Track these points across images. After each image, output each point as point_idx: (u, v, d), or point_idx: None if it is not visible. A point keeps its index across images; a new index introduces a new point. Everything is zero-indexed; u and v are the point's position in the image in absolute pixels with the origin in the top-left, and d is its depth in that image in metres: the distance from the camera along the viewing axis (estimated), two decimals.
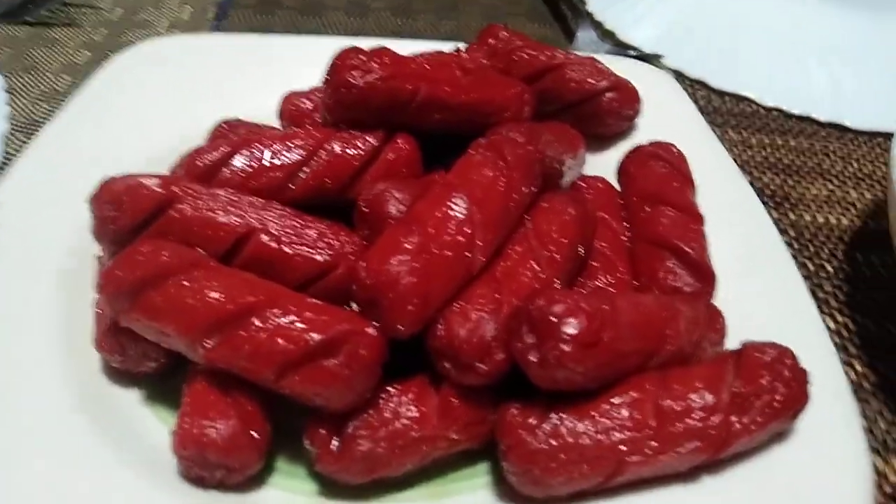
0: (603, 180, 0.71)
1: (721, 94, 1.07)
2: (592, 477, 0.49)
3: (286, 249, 0.55)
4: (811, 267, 0.80)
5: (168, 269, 0.50)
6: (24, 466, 0.49)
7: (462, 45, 0.81)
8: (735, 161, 0.79)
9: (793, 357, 0.53)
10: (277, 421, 0.52)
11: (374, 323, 0.50)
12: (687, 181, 0.68)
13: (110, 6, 1.20)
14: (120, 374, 0.57)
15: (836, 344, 0.69)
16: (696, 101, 0.99)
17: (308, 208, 0.59)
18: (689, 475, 0.51)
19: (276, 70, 0.82)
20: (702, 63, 1.10)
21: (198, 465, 0.49)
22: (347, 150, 0.62)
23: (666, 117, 0.82)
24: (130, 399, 0.56)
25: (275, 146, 0.61)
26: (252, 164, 0.60)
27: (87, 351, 0.56)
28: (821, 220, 0.86)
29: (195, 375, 0.52)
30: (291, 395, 0.50)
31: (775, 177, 0.92)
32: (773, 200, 0.88)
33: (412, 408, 0.51)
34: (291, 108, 0.73)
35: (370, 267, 0.50)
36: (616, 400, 0.50)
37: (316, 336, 0.48)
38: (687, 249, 0.61)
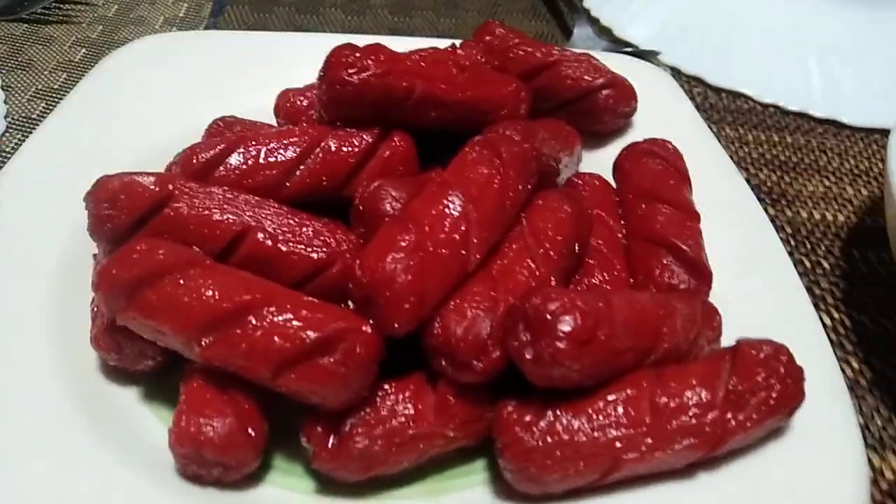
0: (599, 177, 0.71)
1: (718, 90, 1.07)
2: (588, 474, 0.49)
3: (282, 247, 0.55)
4: (808, 264, 0.80)
5: (164, 267, 0.50)
6: (21, 464, 0.49)
7: (458, 42, 0.80)
8: (732, 158, 0.80)
9: (788, 354, 0.53)
10: (274, 419, 0.52)
11: (370, 321, 0.50)
12: (683, 178, 0.68)
13: (106, 3, 1.20)
14: (117, 373, 0.57)
15: (832, 341, 0.70)
16: (692, 98, 1.00)
17: (304, 206, 0.59)
18: (685, 472, 0.51)
19: (273, 67, 0.82)
20: (698, 60, 1.10)
21: (195, 463, 0.49)
22: (343, 148, 0.62)
23: (662, 114, 0.82)
24: (127, 397, 0.56)
25: (270, 144, 0.61)
26: (248, 161, 0.60)
27: (85, 349, 0.56)
28: (817, 216, 0.86)
29: (192, 373, 0.52)
30: (288, 393, 0.50)
31: (772, 173, 0.92)
32: (769, 197, 0.89)
33: (409, 405, 0.51)
34: (287, 106, 0.73)
35: (366, 265, 0.50)
36: (612, 397, 0.50)
37: (312, 334, 0.48)
38: (683, 247, 0.61)
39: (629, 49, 1.10)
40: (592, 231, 0.63)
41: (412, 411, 0.50)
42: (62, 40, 1.09)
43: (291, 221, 0.56)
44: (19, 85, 0.98)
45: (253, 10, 1.21)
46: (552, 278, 0.55)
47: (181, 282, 0.50)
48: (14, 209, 0.66)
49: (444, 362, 0.51)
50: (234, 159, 0.60)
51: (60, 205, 0.65)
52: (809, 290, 0.74)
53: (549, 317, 0.48)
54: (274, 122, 0.73)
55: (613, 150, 0.75)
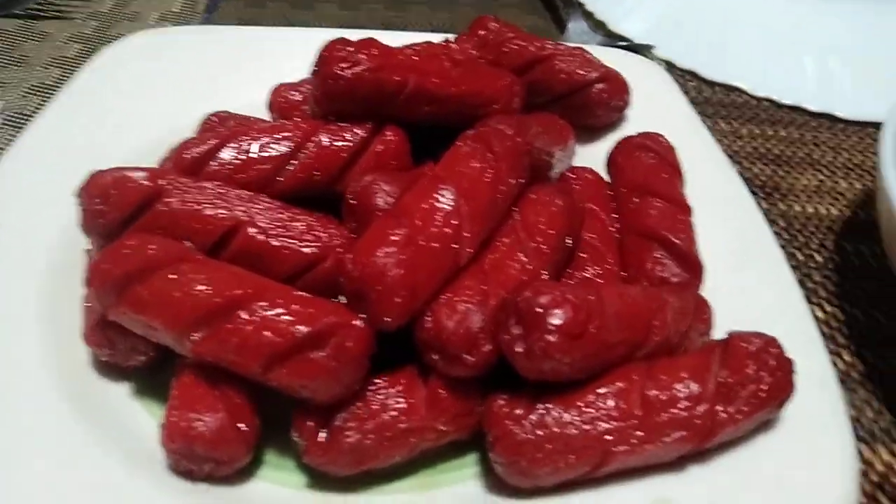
0: (592, 171, 0.71)
1: (711, 84, 1.07)
2: (579, 467, 0.49)
3: (273, 242, 0.55)
4: (800, 257, 0.80)
5: (155, 262, 0.50)
6: (12, 460, 0.49)
7: (451, 37, 0.80)
8: (725, 151, 0.79)
9: (778, 346, 0.53)
10: (266, 413, 0.52)
11: (361, 315, 0.50)
12: (675, 172, 0.69)
13: None
14: (109, 368, 0.57)
15: (824, 333, 0.70)
16: (686, 92, 0.99)
17: (297, 201, 0.59)
18: (675, 465, 0.51)
19: (267, 62, 0.82)
20: (692, 54, 1.10)
21: (186, 459, 0.50)
22: (336, 143, 0.62)
23: (656, 108, 0.82)
24: (119, 393, 0.56)
25: (263, 138, 0.61)
26: (240, 156, 0.60)
27: (76, 345, 0.56)
28: (810, 210, 0.86)
29: (183, 369, 0.52)
30: (279, 387, 0.50)
31: (765, 167, 0.92)
32: (762, 191, 0.89)
33: (400, 399, 0.51)
34: (281, 100, 0.73)
35: (357, 259, 0.50)
36: (602, 390, 0.50)
37: (303, 328, 0.48)
38: (675, 240, 0.61)
39: (623, 43, 1.10)
40: (585, 225, 0.63)
41: (404, 405, 0.51)
42: (56, 36, 1.09)
43: (283, 216, 0.56)
44: (13, 80, 0.98)
45: (247, 5, 1.20)
46: (544, 272, 0.55)
47: (172, 277, 0.50)
48: (7, 205, 0.66)
49: (435, 356, 0.51)
50: (227, 154, 0.60)
51: (54, 200, 0.64)
52: (802, 283, 0.75)
53: (539, 310, 0.48)
54: (268, 117, 0.73)
55: (607, 144, 0.75)
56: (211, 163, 0.60)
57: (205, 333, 0.49)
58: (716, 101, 1.04)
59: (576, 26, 1.15)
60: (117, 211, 0.55)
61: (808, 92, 1.04)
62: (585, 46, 0.82)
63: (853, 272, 0.78)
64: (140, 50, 0.86)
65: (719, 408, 0.50)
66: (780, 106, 1.03)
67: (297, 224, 0.56)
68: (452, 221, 0.52)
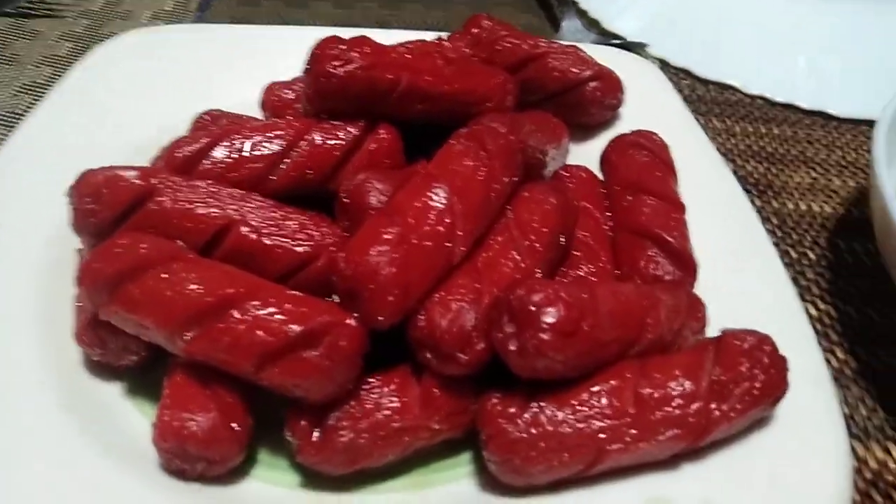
0: (586, 170, 0.71)
1: (705, 82, 1.07)
2: (573, 465, 0.49)
3: (266, 241, 0.55)
4: (794, 255, 0.80)
5: (146, 261, 0.50)
6: (3, 460, 0.49)
7: (445, 35, 0.80)
8: (719, 149, 0.80)
9: (772, 344, 0.53)
10: (259, 412, 0.52)
11: (354, 314, 0.49)
12: (669, 170, 0.69)
13: None
14: (101, 368, 0.56)
15: (818, 331, 0.70)
16: (680, 90, 0.99)
17: (289, 199, 0.59)
18: (669, 463, 0.51)
19: (259, 61, 0.82)
20: (686, 52, 1.10)
21: (178, 458, 0.49)
22: (329, 141, 0.61)
23: (649, 106, 0.82)
24: (111, 392, 0.56)
25: (255, 137, 0.61)
26: (232, 155, 0.60)
27: (68, 345, 0.56)
28: (804, 207, 0.87)
29: (175, 368, 0.52)
30: (271, 387, 0.49)
31: (759, 165, 0.93)
32: (756, 189, 0.89)
33: (394, 398, 0.51)
34: (274, 99, 0.73)
35: (350, 258, 0.50)
36: (596, 388, 0.50)
37: (296, 327, 0.48)
38: (668, 238, 0.61)
39: (617, 41, 1.10)
40: (578, 223, 0.63)
41: (397, 404, 0.50)
42: (48, 34, 1.08)
43: (276, 215, 0.56)
44: (4, 79, 0.97)
45: (240, 3, 1.20)
46: (537, 270, 0.55)
47: (164, 276, 0.50)
48: None
49: (428, 354, 0.51)
50: (219, 153, 0.60)
51: (45, 200, 0.64)
52: (795, 280, 0.75)
53: (533, 308, 0.48)
54: (261, 115, 0.73)
55: (601, 142, 0.75)
56: (203, 161, 0.60)
57: (197, 332, 0.49)
58: (709, 99, 1.04)
59: (570, 24, 1.15)
60: (109, 210, 0.55)
61: (801, 90, 1.04)
62: (579, 45, 0.82)
63: (846, 270, 0.79)
64: (132, 48, 0.86)
65: (713, 406, 0.50)
66: (773, 104, 1.04)
67: (290, 223, 0.56)
68: (445, 220, 0.52)
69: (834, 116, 1.01)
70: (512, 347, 0.48)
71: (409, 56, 0.64)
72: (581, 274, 0.61)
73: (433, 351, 0.50)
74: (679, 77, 1.07)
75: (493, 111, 0.66)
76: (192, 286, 0.49)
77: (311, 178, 0.61)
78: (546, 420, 0.49)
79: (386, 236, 0.50)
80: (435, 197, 0.53)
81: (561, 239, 0.59)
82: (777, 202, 0.87)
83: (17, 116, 0.90)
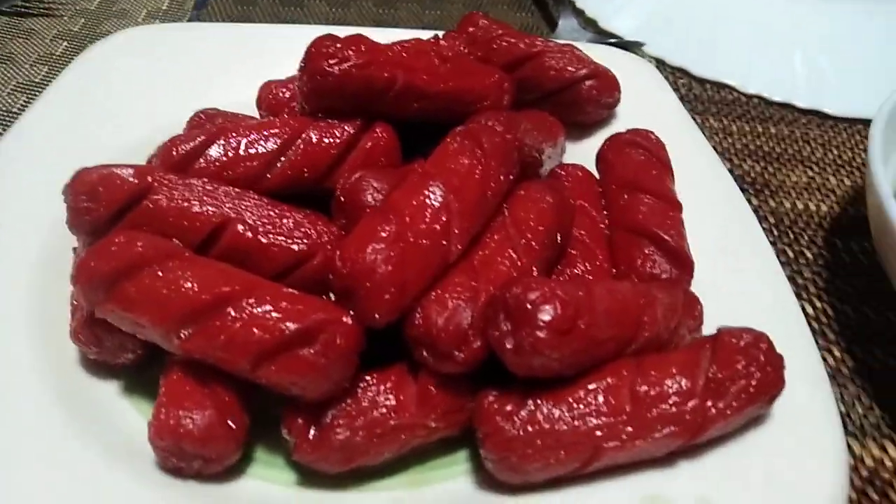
0: (582, 168, 0.71)
1: (702, 81, 1.07)
2: (569, 463, 0.49)
3: (262, 239, 0.55)
4: (791, 254, 0.80)
5: (142, 259, 0.50)
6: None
7: (440, 34, 0.80)
8: (715, 149, 0.80)
9: (768, 342, 0.53)
10: (255, 410, 0.52)
11: (350, 312, 0.49)
12: (665, 168, 0.69)
13: None
14: (97, 366, 0.56)
15: (814, 329, 0.70)
16: (676, 89, 1.00)
17: (286, 198, 0.59)
18: (665, 460, 0.51)
19: (255, 59, 0.82)
20: (683, 51, 1.10)
21: (175, 456, 0.49)
22: (324, 139, 0.61)
23: (646, 105, 0.82)
24: (107, 390, 0.56)
25: (251, 135, 0.61)
26: (228, 153, 0.60)
27: (64, 343, 0.56)
28: (800, 206, 0.87)
29: (172, 366, 0.52)
30: (268, 384, 0.49)
31: (755, 164, 0.93)
32: (753, 188, 0.89)
33: (390, 396, 0.51)
34: (269, 97, 0.72)
35: (346, 256, 0.49)
36: (592, 386, 0.50)
37: (292, 325, 0.48)
38: (665, 237, 0.61)
39: (613, 40, 1.10)
40: (575, 221, 0.63)
41: (393, 402, 0.50)
42: (43, 34, 1.08)
43: (272, 213, 0.56)
44: (0, 78, 0.97)
45: (236, 2, 1.20)
46: (534, 268, 0.55)
47: (160, 274, 0.50)
48: None
49: (425, 353, 0.50)
50: (215, 151, 0.60)
51: (41, 198, 0.64)
52: (792, 279, 0.75)
53: (529, 306, 0.48)
54: (256, 114, 0.73)
55: (597, 140, 0.75)
56: (199, 160, 0.60)
57: (193, 330, 0.49)
58: (706, 98, 1.04)
59: (566, 23, 1.15)
60: (104, 208, 0.54)
61: (797, 89, 1.04)
62: (575, 43, 0.82)
63: (843, 268, 0.79)
64: (127, 47, 0.86)
65: (709, 403, 0.50)
66: (769, 103, 1.03)
67: (286, 221, 0.56)
68: (442, 218, 0.52)
69: (830, 115, 1.01)
70: (508, 345, 0.48)
71: (405, 54, 0.64)
72: (577, 272, 0.61)
73: (429, 349, 0.50)
74: (676, 76, 1.07)
75: (489, 110, 0.66)
76: (188, 284, 0.49)
77: (307, 176, 0.61)
78: (542, 418, 0.49)
79: (382, 234, 0.50)
80: (431, 195, 0.53)
81: (557, 237, 0.59)
82: (774, 201, 0.87)
83: (12, 115, 0.90)
